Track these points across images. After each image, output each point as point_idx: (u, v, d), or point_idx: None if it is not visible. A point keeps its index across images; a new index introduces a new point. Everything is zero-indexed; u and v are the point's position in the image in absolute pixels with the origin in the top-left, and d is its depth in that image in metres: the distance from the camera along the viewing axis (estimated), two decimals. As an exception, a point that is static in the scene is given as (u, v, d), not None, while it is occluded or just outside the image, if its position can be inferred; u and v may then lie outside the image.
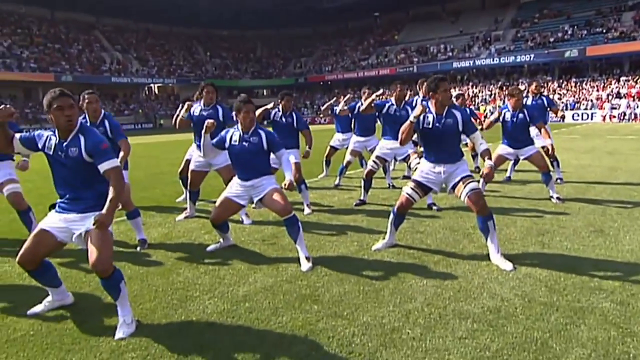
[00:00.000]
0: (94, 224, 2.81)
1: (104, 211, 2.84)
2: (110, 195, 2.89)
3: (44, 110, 2.96)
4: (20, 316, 3.22)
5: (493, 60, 40.96)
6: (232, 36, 61.55)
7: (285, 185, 4.02)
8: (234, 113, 4.21)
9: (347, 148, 7.99)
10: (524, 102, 6.33)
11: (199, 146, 5.56)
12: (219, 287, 3.65)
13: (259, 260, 4.29)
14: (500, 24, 45.26)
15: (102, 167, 2.95)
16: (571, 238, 4.62)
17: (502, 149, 6.45)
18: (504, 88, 37.29)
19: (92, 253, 2.87)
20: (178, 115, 5.78)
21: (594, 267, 3.80)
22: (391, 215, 4.38)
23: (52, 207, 6.24)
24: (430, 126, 4.03)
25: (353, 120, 7.76)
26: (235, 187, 4.30)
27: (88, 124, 4.49)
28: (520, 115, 6.16)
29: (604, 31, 37.05)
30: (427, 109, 4.07)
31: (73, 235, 3.05)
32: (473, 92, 39.70)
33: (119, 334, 2.87)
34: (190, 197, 5.97)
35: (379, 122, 7.82)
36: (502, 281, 3.58)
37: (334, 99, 8.40)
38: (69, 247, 3.38)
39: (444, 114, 4.05)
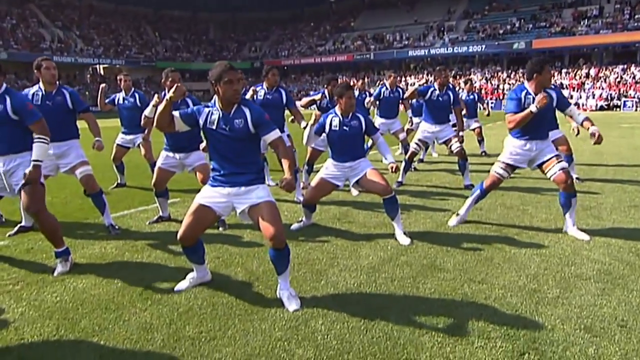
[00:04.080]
0: (282, 187, 2.89)
1: (287, 176, 2.92)
2: (287, 162, 3.01)
3: (211, 82, 2.94)
4: (166, 292, 3.24)
5: (447, 50, 42.58)
6: (183, 17, 59.22)
7: (392, 168, 4.22)
8: (335, 98, 4.32)
9: None
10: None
11: None
12: (339, 262, 3.82)
13: (351, 237, 4.48)
14: (452, 15, 47.00)
15: (269, 137, 3.05)
16: (616, 212, 5.21)
17: None
18: (458, 77, 38.98)
19: (269, 225, 2.95)
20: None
21: (656, 235, 4.37)
22: (477, 192, 4.68)
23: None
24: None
25: (377, 104, 7.99)
26: (331, 169, 4.46)
27: (43, 92, 4.49)
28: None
29: (548, 25, 39.62)
30: (527, 91, 4.30)
31: (236, 210, 3.12)
32: (428, 80, 41.08)
33: (292, 307, 2.99)
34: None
35: (401, 107, 8.20)
36: (589, 249, 4.04)
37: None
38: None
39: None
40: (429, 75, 42.28)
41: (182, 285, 3.31)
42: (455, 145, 6.45)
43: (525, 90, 4.32)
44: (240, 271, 3.65)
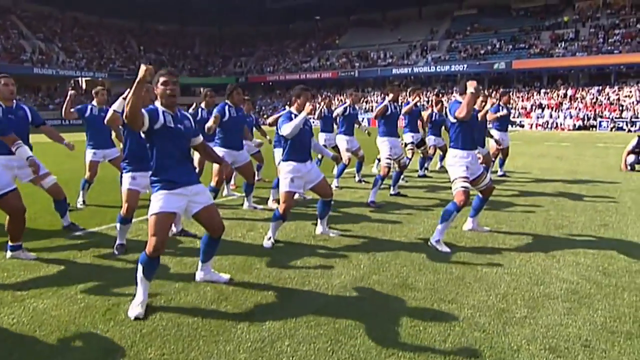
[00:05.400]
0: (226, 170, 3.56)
1: (224, 163, 3.87)
2: (215, 156, 3.82)
3: (153, 87, 3.20)
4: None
5: (430, 69, 43.36)
6: (169, 31, 59.31)
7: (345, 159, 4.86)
8: (292, 99, 4.69)
9: (333, 147, 8.47)
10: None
11: (224, 145, 5.82)
12: (310, 281, 3.78)
13: (325, 255, 4.45)
14: (435, 35, 48.04)
15: (199, 139, 3.48)
16: (586, 231, 5.29)
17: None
18: (440, 95, 39.66)
19: (218, 221, 3.46)
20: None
21: (624, 254, 4.43)
22: (454, 213, 4.65)
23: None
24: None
25: (340, 122, 8.24)
26: (296, 179, 4.63)
27: (3, 107, 4.64)
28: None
29: (527, 47, 40.74)
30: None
31: (189, 210, 3.31)
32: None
33: (226, 277, 3.73)
34: (215, 196, 5.97)
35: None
36: (559, 267, 4.09)
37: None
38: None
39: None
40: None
41: (137, 311, 3.09)
42: (403, 160, 7.05)
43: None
44: (209, 290, 3.58)
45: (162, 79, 3.19)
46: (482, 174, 4.92)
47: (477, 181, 4.89)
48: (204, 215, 3.37)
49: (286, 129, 4.45)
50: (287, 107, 7.14)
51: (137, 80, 2.89)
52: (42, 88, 45.48)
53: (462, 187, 4.66)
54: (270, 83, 53.67)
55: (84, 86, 51.02)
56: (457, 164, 4.78)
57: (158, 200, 3.14)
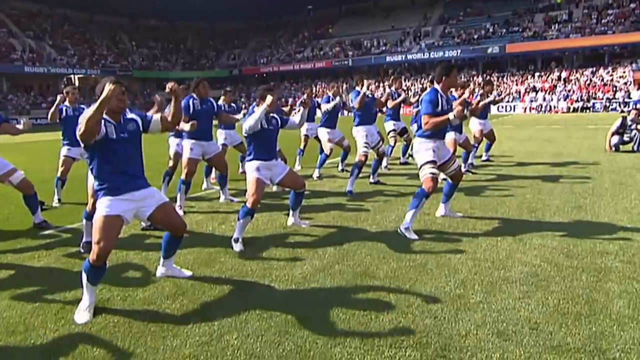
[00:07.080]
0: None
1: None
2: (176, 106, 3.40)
3: (98, 96, 2.93)
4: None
5: (424, 55, 43.08)
6: (160, 26, 58.83)
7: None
8: (257, 100, 4.51)
9: (315, 137, 8.51)
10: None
11: (192, 137, 5.72)
12: (272, 272, 3.77)
13: (292, 246, 4.44)
14: (429, 21, 47.66)
15: (155, 117, 3.39)
16: (559, 214, 5.27)
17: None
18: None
19: (177, 219, 3.46)
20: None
21: (591, 235, 4.42)
22: (423, 199, 4.62)
23: (42, 203, 5.90)
24: (444, 108, 4.59)
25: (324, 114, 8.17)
26: (262, 170, 4.53)
27: None
28: None
29: (520, 30, 40.42)
30: (440, 93, 4.59)
31: (141, 214, 3.25)
32: (406, 85, 41.47)
33: (188, 273, 3.71)
34: (187, 189, 5.94)
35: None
36: (524, 251, 4.07)
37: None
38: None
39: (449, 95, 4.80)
40: (407, 81, 42.68)
41: (84, 316, 3.01)
42: (382, 148, 7.11)
43: (439, 92, 4.58)
44: (168, 285, 3.56)
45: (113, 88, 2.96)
46: (450, 159, 4.87)
47: (445, 166, 4.84)
48: (159, 215, 3.28)
49: (247, 123, 4.40)
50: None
51: (102, 98, 2.81)
52: (34, 87, 45.23)
53: (431, 173, 4.63)
54: (264, 74, 53.33)
55: (77, 83, 50.70)
56: (423, 149, 4.74)
57: (102, 205, 3.05)
